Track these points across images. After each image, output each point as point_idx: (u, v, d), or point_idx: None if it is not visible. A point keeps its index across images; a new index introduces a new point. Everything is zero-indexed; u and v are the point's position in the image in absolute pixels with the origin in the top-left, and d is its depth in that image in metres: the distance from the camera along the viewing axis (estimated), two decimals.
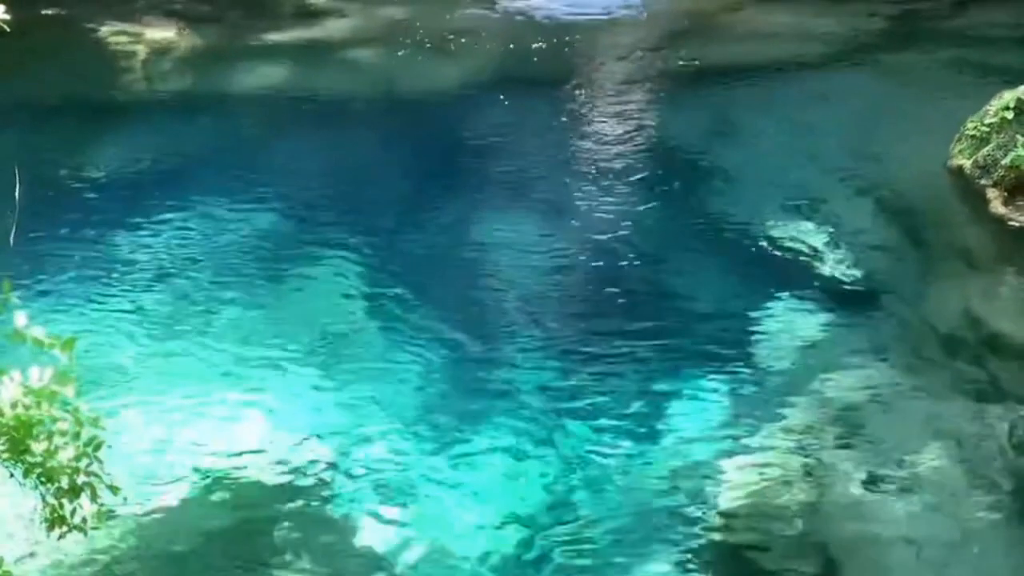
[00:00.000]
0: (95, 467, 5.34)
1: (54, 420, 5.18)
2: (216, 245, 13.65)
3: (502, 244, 13.68)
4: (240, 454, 10.11)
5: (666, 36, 20.53)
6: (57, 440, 5.20)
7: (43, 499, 5.40)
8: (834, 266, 13.05)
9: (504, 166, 15.72)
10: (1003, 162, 14.15)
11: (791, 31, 20.33)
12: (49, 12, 21.04)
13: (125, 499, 6.08)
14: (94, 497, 5.37)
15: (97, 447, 5.30)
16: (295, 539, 9.25)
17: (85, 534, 5.51)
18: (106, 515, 5.58)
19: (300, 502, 9.63)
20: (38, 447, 5.14)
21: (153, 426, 10.39)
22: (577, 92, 18.41)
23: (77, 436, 5.26)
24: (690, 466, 10.03)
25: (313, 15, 21.68)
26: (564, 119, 17.33)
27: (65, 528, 5.44)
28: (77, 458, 5.24)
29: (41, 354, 5.23)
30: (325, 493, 9.73)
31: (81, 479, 5.31)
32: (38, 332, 5.18)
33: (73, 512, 5.39)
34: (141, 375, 11.16)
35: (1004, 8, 20.68)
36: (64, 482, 5.25)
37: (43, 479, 5.27)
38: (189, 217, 14.26)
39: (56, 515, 5.39)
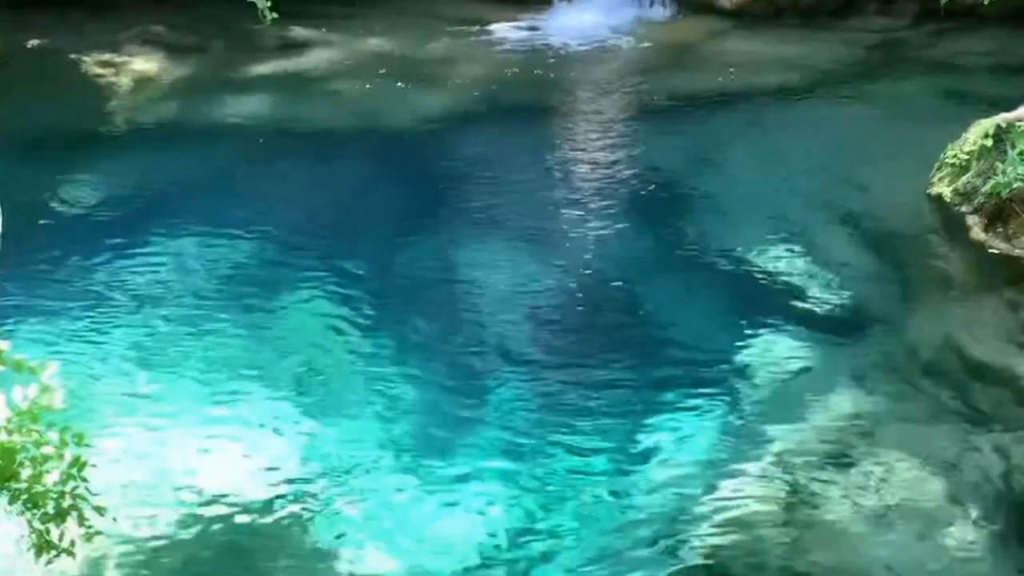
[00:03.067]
0: (81, 489, 5.33)
1: (38, 444, 5.18)
2: (198, 275, 13.61)
3: (482, 274, 13.68)
4: (218, 485, 10.05)
5: (650, 65, 20.66)
6: (41, 465, 5.19)
7: (30, 525, 5.39)
8: (815, 294, 13.09)
9: (486, 196, 15.75)
10: (983, 189, 14.22)
11: (773, 60, 20.48)
12: (33, 43, 21.05)
13: (115, 519, 6.06)
14: (81, 520, 5.37)
15: (82, 467, 5.30)
16: (272, 567, 9.23)
17: (73, 557, 5.51)
18: (93, 535, 5.57)
19: (277, 530, 9.60)
20: (23, 473, 5.14)
21: (131, 455, 10.34)
22: (560, 121, 18.51)
23: (61, 458, 5.26)
24: (671, 495, 10.02)
25: (297, 46, 21.72)
26: (546, 149, 17.38)
27: (53, 553, 5.44)
28: (63, 481, 5.24)
29: (24, 383, 5.22)
30: (303, 521, 9.69)
31: (67, 502, 5.30)
32: (18, 358, 5.18)
33: (61, 536, 5.38)
34: (120, 404, 11.10)
35: (980, 37, 20.90)
36: (50, 507, 5.24)
37: (29, 505, 5.27)
38: (171, 247, 14.23)
39: (43, 540, 5.38)
